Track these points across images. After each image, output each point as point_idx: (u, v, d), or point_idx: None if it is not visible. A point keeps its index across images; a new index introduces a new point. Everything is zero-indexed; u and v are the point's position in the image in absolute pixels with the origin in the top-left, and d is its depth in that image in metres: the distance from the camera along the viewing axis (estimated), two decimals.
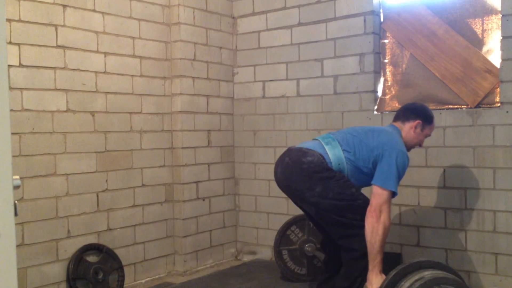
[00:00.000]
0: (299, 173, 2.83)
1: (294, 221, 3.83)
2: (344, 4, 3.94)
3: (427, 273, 2.50)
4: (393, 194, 2.78)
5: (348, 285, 2.84)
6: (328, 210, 2.81)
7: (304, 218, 3.75)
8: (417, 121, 3.00)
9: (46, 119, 3.28)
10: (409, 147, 3.02)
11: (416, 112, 3.04)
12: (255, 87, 4.46)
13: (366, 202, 2.80)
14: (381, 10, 3.90)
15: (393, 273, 2.54)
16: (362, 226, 2.74)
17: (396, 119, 3.10)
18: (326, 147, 2.88)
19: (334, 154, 2.85)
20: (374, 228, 2.69)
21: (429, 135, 3.13)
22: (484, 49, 3.51)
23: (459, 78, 3.57)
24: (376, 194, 2.74)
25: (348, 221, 2.79)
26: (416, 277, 2.48)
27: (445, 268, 2.66)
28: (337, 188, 2.77)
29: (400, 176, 2.79)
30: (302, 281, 3.72)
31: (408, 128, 3.01)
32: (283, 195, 3.24)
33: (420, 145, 3.10)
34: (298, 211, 3.35)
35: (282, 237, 3.82)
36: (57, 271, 3.33)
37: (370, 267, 2.74)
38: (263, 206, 4.43)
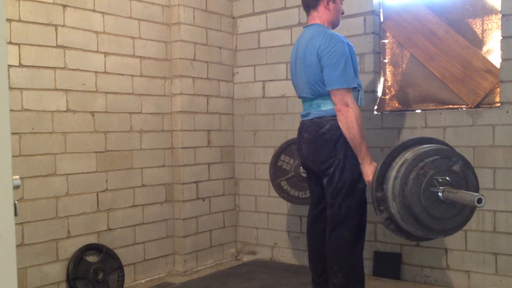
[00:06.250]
0: (322, 143, 2.83)
1: (281, 151, 3.84)
2: (344, 4, 3.92)
3: (408, 154, 2.45)
4: (353, 88, 2.75)
5: (344, 273, 2.79)
6: (341, 181, 2.79)
7: (290, 143, 3.79)
8: None
9: (46, 119, 3.29)
10: (337, 23, 3.02)
11: None
12: (255, 87, 4.46)
13: (363, 189, 2.84)
14: (381, 10, 3.90)
15: (380, 164, 2.52)
16: (353, 209, 2.79)
17: (308, 12, 3.00)
18: (320, 109, 2.86)
19: (326, 106, 2.83)
20: (348, 122, 2.69)
21: None
22: (484, 49, 3.51)
23: (459, 78, 3.57)
24: (333, 96, 2.74)
25: (348, 203, 2.80)
26: (400, 162, 2.44)
27: (429, 141, 2.62)
28: (352, 160, 2.77)
29: (346, 64, 2.72)
30: (308, 203, 3.58)
31: (323, 10, 2.94)
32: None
33: (342, 12, 3.04)
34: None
35: (275, 170, 3.83)
36: (57, 271, 3.33)
37: (359, 160, 2.74)
38: (263, 206, 4.43)
